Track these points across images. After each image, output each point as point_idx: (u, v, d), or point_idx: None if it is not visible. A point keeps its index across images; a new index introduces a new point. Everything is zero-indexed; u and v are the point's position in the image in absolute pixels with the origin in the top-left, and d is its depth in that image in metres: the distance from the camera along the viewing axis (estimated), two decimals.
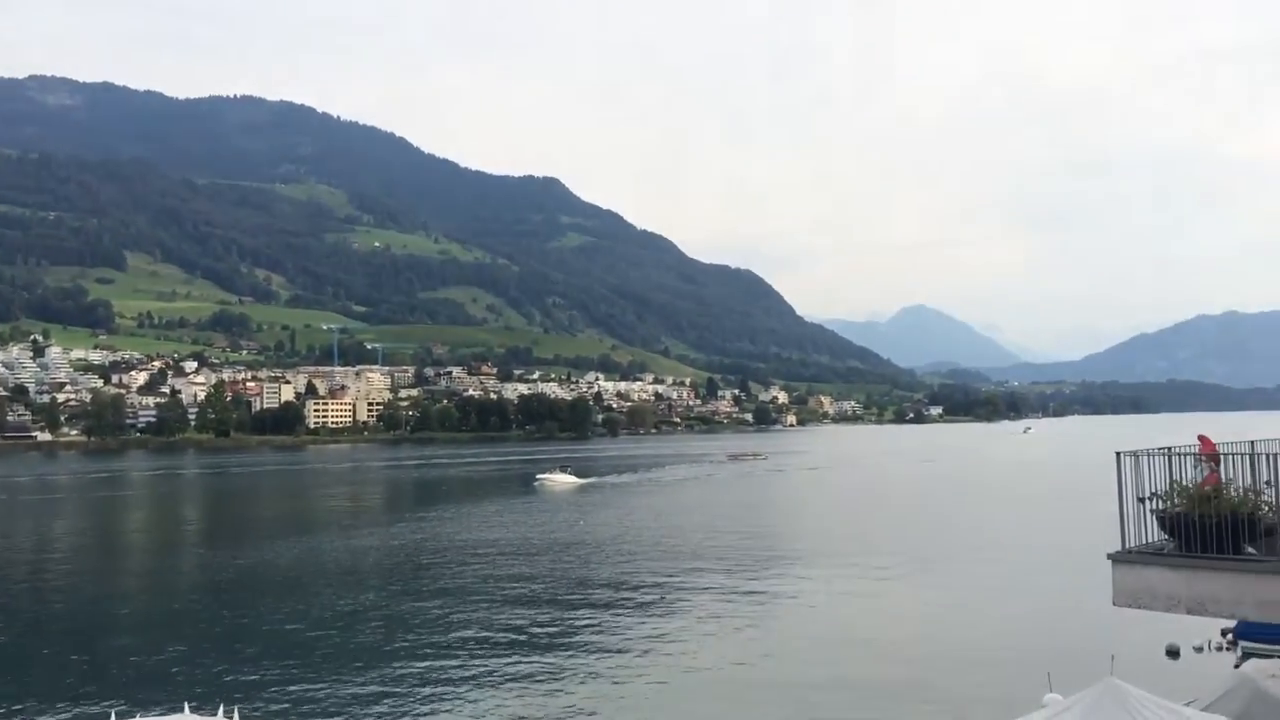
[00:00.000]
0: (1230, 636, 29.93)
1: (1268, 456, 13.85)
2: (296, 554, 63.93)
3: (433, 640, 38.19)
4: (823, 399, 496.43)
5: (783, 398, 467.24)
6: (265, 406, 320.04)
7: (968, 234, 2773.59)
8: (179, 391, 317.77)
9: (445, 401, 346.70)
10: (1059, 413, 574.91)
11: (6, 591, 52.80)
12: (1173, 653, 31.47)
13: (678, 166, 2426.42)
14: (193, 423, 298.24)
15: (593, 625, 40.18)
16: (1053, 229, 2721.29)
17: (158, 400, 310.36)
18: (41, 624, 44.21)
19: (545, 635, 38.62)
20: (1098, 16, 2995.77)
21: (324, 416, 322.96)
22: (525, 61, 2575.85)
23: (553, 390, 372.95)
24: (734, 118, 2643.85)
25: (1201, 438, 14.57)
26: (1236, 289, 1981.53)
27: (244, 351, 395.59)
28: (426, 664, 34.32)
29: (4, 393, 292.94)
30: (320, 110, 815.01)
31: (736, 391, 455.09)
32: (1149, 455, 13.80)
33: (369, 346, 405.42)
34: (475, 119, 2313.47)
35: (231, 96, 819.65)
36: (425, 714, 29.01)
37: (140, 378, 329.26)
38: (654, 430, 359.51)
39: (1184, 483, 13.48)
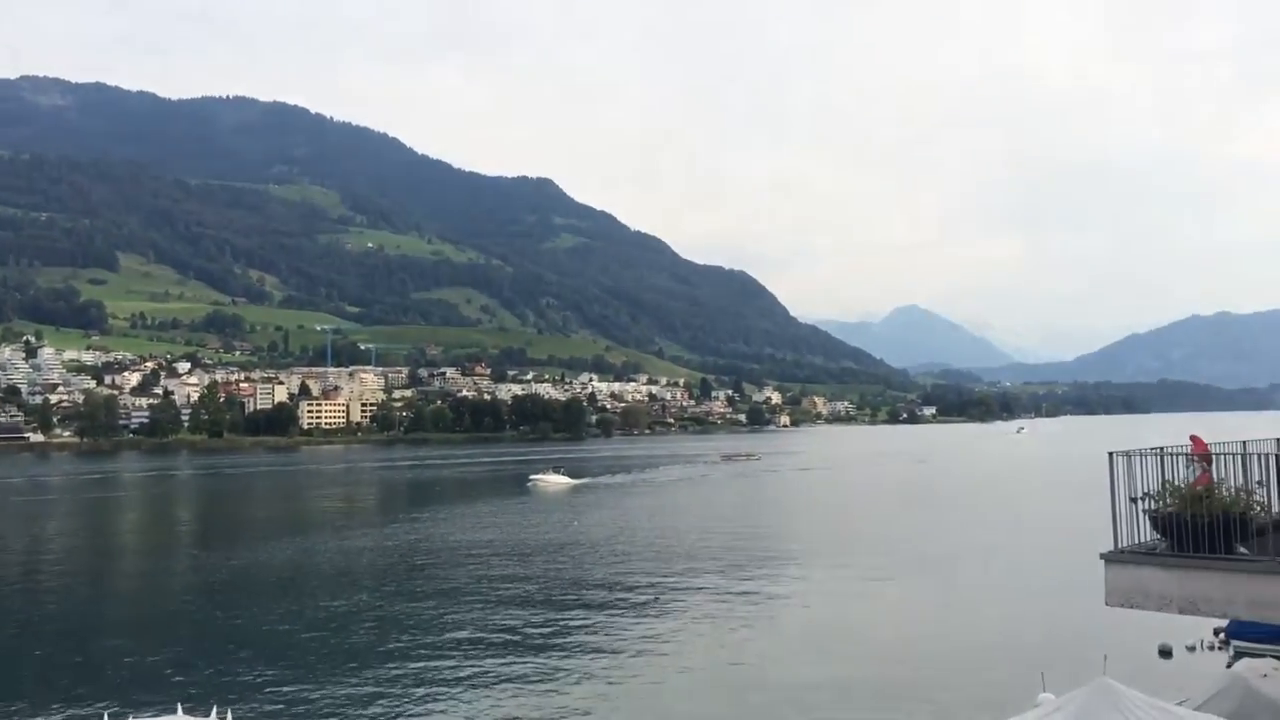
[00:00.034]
0: (1222, 636, 30.04)
1: (1259, 456, 13.91)
2: (290, 555, 63.86)
3: (426, 641, 38.16)
4: (816, 400, 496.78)
5: (776, 398, 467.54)
6: (258, 407, 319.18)
7: (960, 234, 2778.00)
8: (172, 392, 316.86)
9: (439, 402, 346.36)
10: (1051, 413, 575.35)
11: None
12: (1165, 652, 31.57)
13: (671, 167, 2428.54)
14: (186, 424, 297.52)
15: (587, 626, 40.18)
16: (1045, 229, 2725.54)
17: (151, 401, 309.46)
18: (34, 625, 44.08)
19: (539, 636, 38.61)
20: (1088, 17, 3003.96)
21: (317, 417, 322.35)
22: (519, 62, 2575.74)
23: (547, 391, 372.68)
24: (727, 118, 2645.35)
25: (1193, 438, 14.62)
26: (1228, 289, 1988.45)
27: (237, 352, 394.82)
28: (420, 665, 34.30)
29: None
30: (313, 111, 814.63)
31: (730, 392, 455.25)
32: (1141, 455, 13.84)
33: (363, 347, 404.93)
34: (468, 119, 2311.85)
35: (224, 97, 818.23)
36: (419, 715, 29.00)
37: (133, 379, 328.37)
38: (648, 431, 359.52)
39: (1176, 483, 13.52)
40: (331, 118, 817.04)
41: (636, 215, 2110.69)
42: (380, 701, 30.05)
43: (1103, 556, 13.83)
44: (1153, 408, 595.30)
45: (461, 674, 32.97)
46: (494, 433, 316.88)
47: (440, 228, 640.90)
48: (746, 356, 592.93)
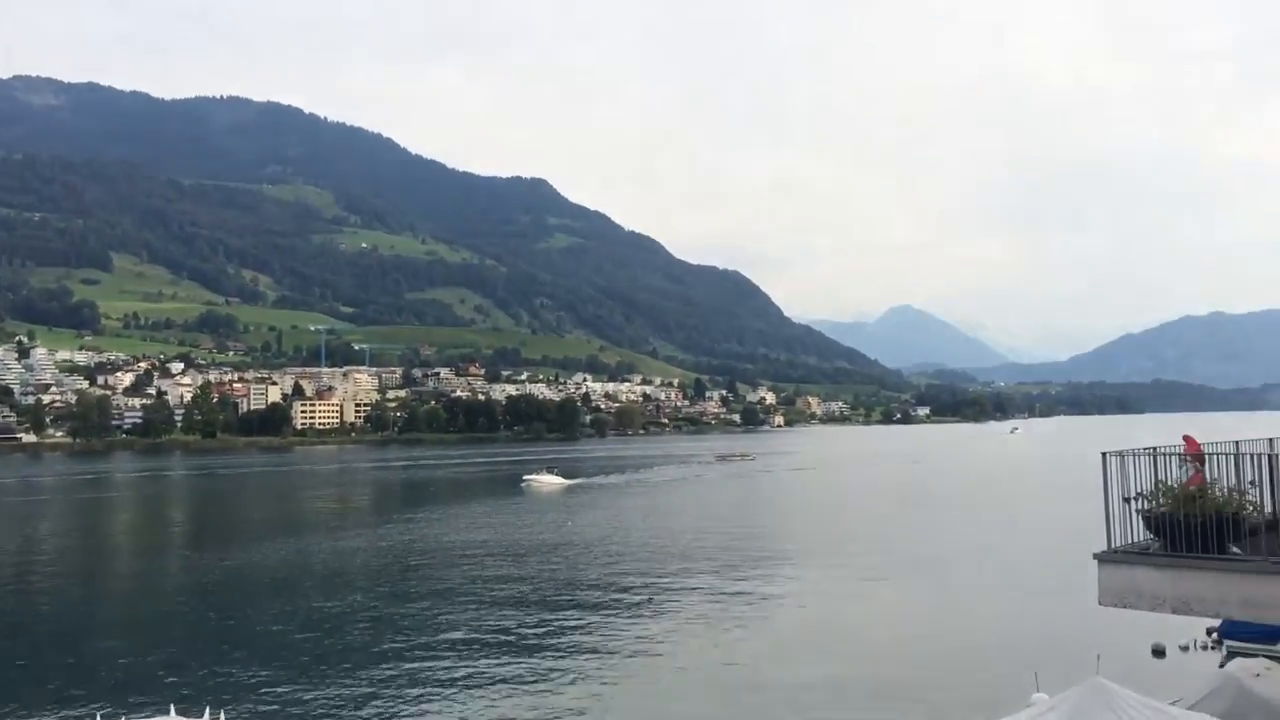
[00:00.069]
0: (1215, 636, 30.05)
1: (1252, 456, 13.95)
2: (283, 556, 63.76)
3: (420, 642, 38.11)
4: (810, 400, 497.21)
5: (770, 398, 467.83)
6: (252, 408, 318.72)
7: (954, 234, 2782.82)
8: (165, 393, 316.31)
9: (433, 402, 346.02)
10: (1045, 413, 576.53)
11: None
12: (1158, 652, 31.62)
13: (665, 168, 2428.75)
14: (179, 424, 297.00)
15: (581, 626, 40.16)
16: (1038, 229, 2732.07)
17: (144, 401, 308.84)
18: (26, 627, 43.96)
19: (533, 636, 38.58)
20: (1083, 17, 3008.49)
21: (311, 418, 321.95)
22: (512, 62, 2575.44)
23: (541, 391, 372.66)
24: (721, 119, 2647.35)
25: (1186, 438, 14.64)
26: (1222, 290, 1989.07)
27: (230, 352, 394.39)
28: (414, 665, 34.25)
29: None
30: (307, 111, 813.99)
31: (724, 392, 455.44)
32: (1134, 455, 13.86)
33: (356, 347, 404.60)
34: (463, 119, 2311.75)
35: (218, 97, 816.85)
36: (413, 715, 28.95)
37: (126, 379, 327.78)
38: (642, 431, 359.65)
39: (1169, 482, 13.55)
40: (325, 118, 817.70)
41: (630, 215, 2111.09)
42: (374, 702, 30.00)
43: (1096, 556, 13.85)
44: (1146, 408, 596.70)
45: (455, 675, 32.93)
46: (488, 433, 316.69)
47: (434, 228, 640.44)
48: (741, 357, 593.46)
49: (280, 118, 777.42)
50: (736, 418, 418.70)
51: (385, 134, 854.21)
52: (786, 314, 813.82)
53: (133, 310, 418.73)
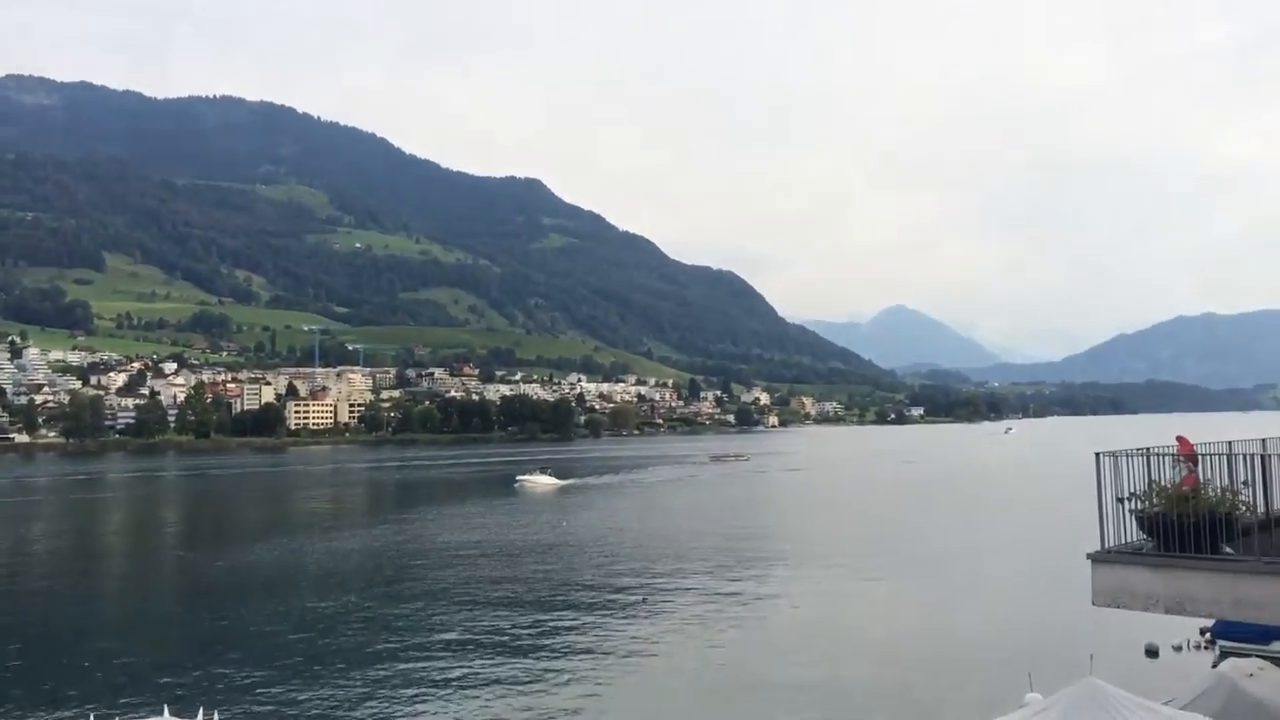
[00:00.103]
0: (1208, 636, 30.17)
1: (1245, 457, 13.97)
2: (277, 556, 63.68)
3: (414, 642, 38.09)
4: (804, 400, 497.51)
5: (765, 399, 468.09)
6: (245, 408, 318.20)
7: (947, 234, 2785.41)
8: (158, 393, 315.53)
9: (427, 403, 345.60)
10: (1039, 413, 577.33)
11: None
12: (1152, 652, 31.71)
13: (659, 168, 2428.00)
14: (172, 424, 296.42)
15: (575, 627, 40.17)
16: (1031, 230, 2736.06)
17: (137, 402, 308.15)
18: (20, 628, 43.82)
19: (527, 637, 38.58)
20: (1080, 19, 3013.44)
21: (305, 418, 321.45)
22: (507, 62, 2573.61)
23: (535, 391, 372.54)
24: (714, 119, 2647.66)
25: (1180, 438, 14.66)
26: (1215, 291, 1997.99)
27: (224, 353, 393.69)
28: (408, 666, 34.24)
29: None
30: (301, 110, 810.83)
31: (719, 393, 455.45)
32: (1128, 456, 13.88)
33: (350, 348, 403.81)
34: (457, 119, 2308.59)
35: (211, 96, 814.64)
36: (407, 716, 28.95)
37: (119, 379, 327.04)
38: (636, 431, 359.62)
39: (1162, 483, 13.56)
40: (319, 117, 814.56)
41: (625, 216, 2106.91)
42: (368, 703, 29.99)
43: (1089, 556, 13.87)
44: (1140, 408, 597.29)
45: (449, 675, 32.93)
46: (482, 433, 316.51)
47: (428, 228, 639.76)
48: (735, 357, 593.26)
49: (274, 117, 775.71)
50: (731, 418, 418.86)
51: (379, 134, 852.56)
52: (780, 314, 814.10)
53: (126, 310, 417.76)
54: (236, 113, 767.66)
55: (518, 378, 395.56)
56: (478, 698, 30.31)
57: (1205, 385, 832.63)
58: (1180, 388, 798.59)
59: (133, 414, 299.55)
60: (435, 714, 29.08)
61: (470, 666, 33.96)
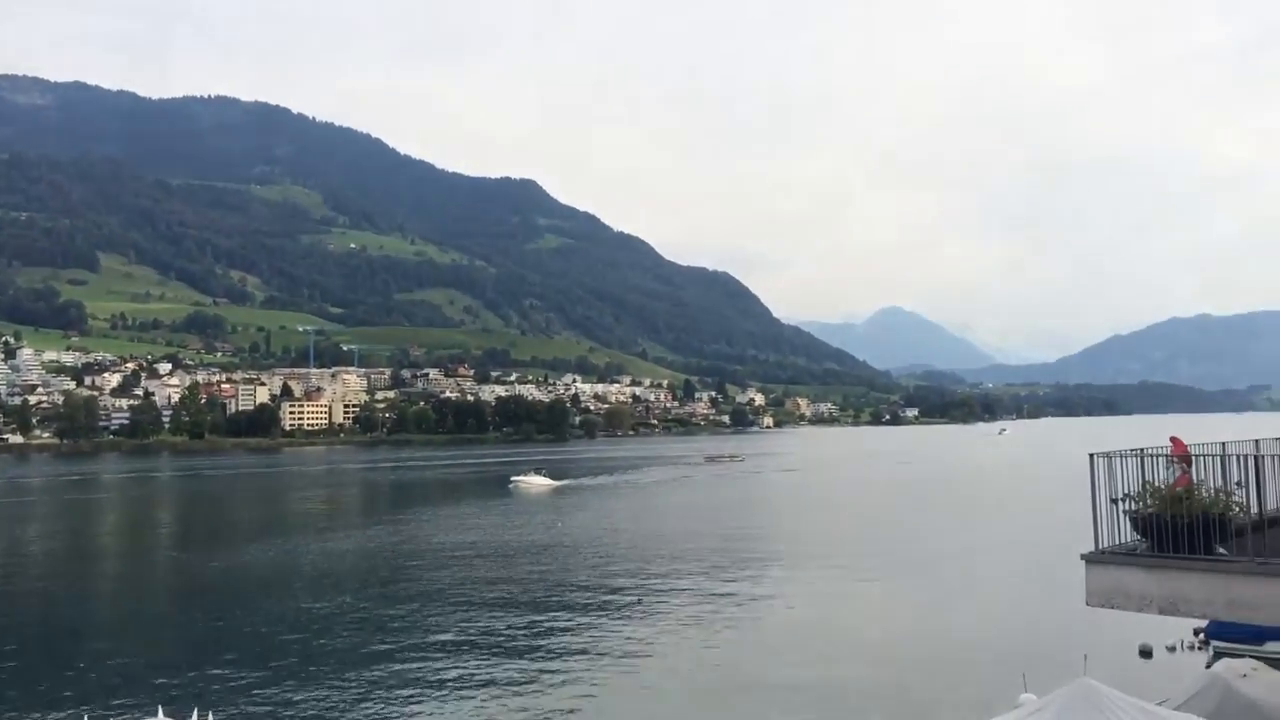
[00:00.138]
0: (1202, 636, 30.23)
1: (1238, 458, 14.02)
2: (272, 557, 63.60)
3: (409, 643, 38.07)
4: (799, 401, 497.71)
5: (760, 399, 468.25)
6: (240, 409, 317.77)
7: (942, 236, 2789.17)
8: (153, 394, 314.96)
9: (422, 403, 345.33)
10: (1033, 414, 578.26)
11: None
12: (1145, 652, 31.75)
13: (654, 168, 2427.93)
14: (167, 425, 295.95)
15: (570, 628, 40.17)
16: (1026, 231, 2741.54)
17: (131, 402, 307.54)
18: (13, 628, 43.71)
19: (522, 638, 38.57)
20: (1074, 21, 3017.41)
21: (300, 419, 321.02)
22: (502, 63, 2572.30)
23: (530, 392, 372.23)
24: (709, 120, 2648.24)
25: (1173, 439, 14.71)
26: (1209, 292, 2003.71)
27: (219, 353, 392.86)
28: (403, 667, 34.21)
29: None
30: (296, 111, 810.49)
31: (714, 393, 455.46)
32: (1122, 456, 13.92)
33: (345, 348, 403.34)
34: (452, 120, 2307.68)
35: (206, 96, 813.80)
36: (402, 717, 28.92)
37: (113, 380, 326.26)
38: (631, 432, 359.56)
39: (1156, 484, 13.61)
40: (314, 118, 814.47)
41: (620, 216, 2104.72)
42: (363, 704, 29.95)
43: (1083, 557, 13.91)
44: (1134, 409, 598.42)
45: (444, 676, 32.91)
46: (477, 434, 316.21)
47: (423, 228, 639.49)
48: (730, 358, 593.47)
49: (268, 118, 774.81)
50: (726, 419, 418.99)
51: (374, 134, 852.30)
52: (776, 315, 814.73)
53: (120, 310, 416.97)
54: (231, 113, 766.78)
55: (513, 378, 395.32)
56: (473, 699, 30.30)
57: (1199, 386, 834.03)
58: (1174, 389, 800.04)
59: (127, 415, 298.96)
60: (430, 715, 29.06)
61: (465, 667, 33.94)
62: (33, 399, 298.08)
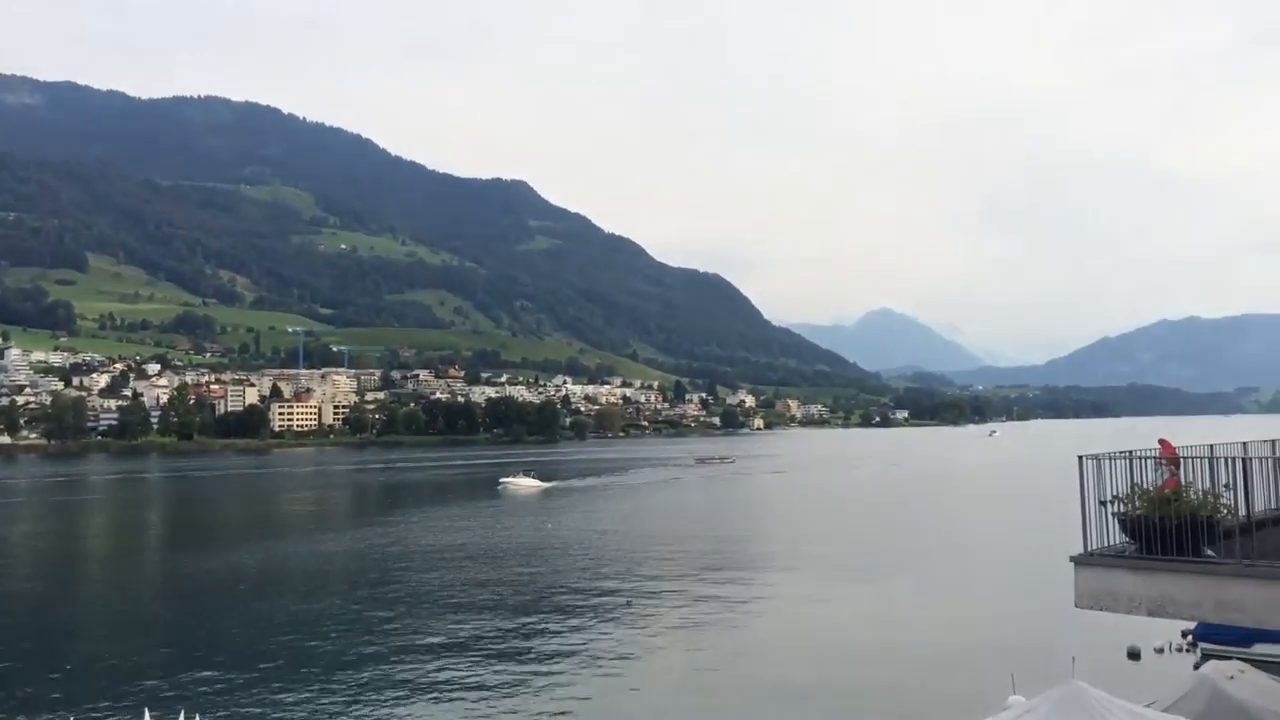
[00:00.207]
0: (1190, 638, 30.31)
1: (1226, 460, 14.05)
2: (260, 559, 63.40)
3: (398, 646, 37.96)
4: (790, 402, 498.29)
5: (750, 401, 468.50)
6: (229, 409, 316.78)
7: (932, 238, 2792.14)
8: (141, 394, 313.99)
9: (412, 405, 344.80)
10: (1023, 416, 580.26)
11: None
12: (1134, 654, 31.82)
13: (646, 170, 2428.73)
14: (155, 426, 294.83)
15: (559, 630, 40.11)
16: (1016, 233, 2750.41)
17: (119, 403, 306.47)
18: None
19: (511, 640, 38.50)
20: (1060, 24, 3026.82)
21: (289, 420, 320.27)
22: (493, 64, 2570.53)
23: (520, 393, 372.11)
24: (701, 122, 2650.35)
25: (1162, 441, 14.74)
26: (1197, 294, 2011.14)
27: (208, 354, 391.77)
28: (391, 669, 34.13)
29: None
30: (286, 111, 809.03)
31: (704, 395, 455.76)
32: (1110, 459, 13.94)
33: (335, 349, 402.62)
34: (442, 120, 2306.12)
35: (196, 97, 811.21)
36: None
37: (102, 380, 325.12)
38: (622, 434, 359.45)
39: (1145, 486, 13.63)
40: (304, 118, 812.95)
41: (611, 218, 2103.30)
42: (351, 706, 29.86)
43: (1072, 559, 13.92)
44: (1123, 412, 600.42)
45: (433, 679, 32.83)
46: (467, 435, 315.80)
47: (414, 229, 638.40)
48: (720, 359, 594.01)
49: (259, 118, 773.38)
50: (716, 420, 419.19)
51: (364, 135, 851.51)
52: (766, 317, 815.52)
53: (109, 311, 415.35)
54: (221, 113, 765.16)
55: (503, 380, 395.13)
56: (461, 700, 30.23)
57: (1187, 389, 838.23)
58: (1162, 391, 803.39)
59: (115, 415, 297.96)
60: (419, 717, 28.98)
61: (454, 670, 33.86)
62: (20, 399, 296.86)
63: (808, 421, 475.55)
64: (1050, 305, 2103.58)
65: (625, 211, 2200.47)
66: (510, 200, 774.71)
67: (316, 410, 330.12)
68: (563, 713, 28.87)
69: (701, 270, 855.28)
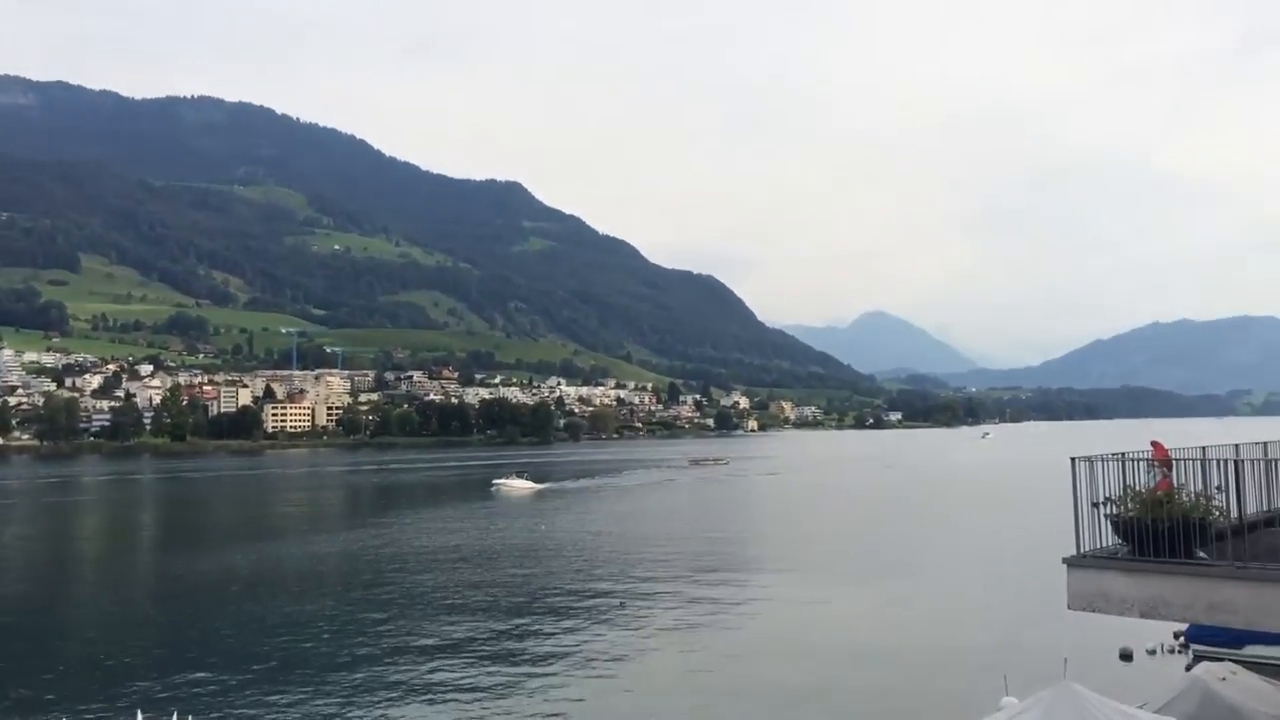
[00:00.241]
0: (1182, 640, 30.32)
1: (1218, 462, 14.09)
2: (253, 561, 63.23)
3: (390, 647, 37.90)
4: (784, 404, 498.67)
5: (744, 403, 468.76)
6: (222, 410, 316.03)
7: (926, 240, 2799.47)
8: (134, 395, 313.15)
9: (406, 406, 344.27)
10: (1016, 418, 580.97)
11: None
12: (1126, 656, 31.85)
13: (640, 171, 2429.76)
14: (148, 427, 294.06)
15: (552, 632, 40.06)
16: (1009, 235, 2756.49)
17: (112, 404, 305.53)
18: None
19: (504, 642, 38.45)
20: (1052, 27, 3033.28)
21: (282, 421, 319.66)
22: (487, 64, 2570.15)
23: (514, 395, 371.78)
24: (695, 124, 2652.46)
25: (1154, 443, 14.77)
26: (1190, 297, 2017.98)
27: (201, 355, 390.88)
28: (384, 671, 34.05)
29: None
30: (279, 111, 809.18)
31: (698, 396, 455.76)
32: (1103, 460, 13.96)
33: (328, 350, 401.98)
34: (437, 121, 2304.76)
35: (189, 97, 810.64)
36: None
37: (94, 381, 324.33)
38: (616, 435, 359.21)
39: (1137, 488, 13.65)
40: (298, 118, 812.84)
41: (605, 219, 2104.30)
42: (344, 708, 29.79)
43: (1065, 561, 13.94)
44: (1115, 414, 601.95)
45: (425, 681, 32.77)
46: (461, 437, 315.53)
47: (408, 230, 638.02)
48: (714, 361, 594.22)
49: (252, 118, 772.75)
50: (710, 422, 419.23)
51: (358, 135, 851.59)
52: (760, 318, 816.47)
53: (101, 311, 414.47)
54: (214, 113, 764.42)
55: (497, 381, 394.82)
56: (455, 702, 30.18)
57: (1180, 391, 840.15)
58: (1155, 393, 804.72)
59: (108, 416, 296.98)
60: (412, 719, 28.92)
61: (447, 671, 33.81)
62: (12, 400, 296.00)
63: (801, 423, 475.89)
64: (1043, 308, 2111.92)
65: (619, 213, 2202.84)
66: (504, 201, 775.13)
67: (310, 411, 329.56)
68: (556, 714, 28.83)
69: (695, 272, 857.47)
